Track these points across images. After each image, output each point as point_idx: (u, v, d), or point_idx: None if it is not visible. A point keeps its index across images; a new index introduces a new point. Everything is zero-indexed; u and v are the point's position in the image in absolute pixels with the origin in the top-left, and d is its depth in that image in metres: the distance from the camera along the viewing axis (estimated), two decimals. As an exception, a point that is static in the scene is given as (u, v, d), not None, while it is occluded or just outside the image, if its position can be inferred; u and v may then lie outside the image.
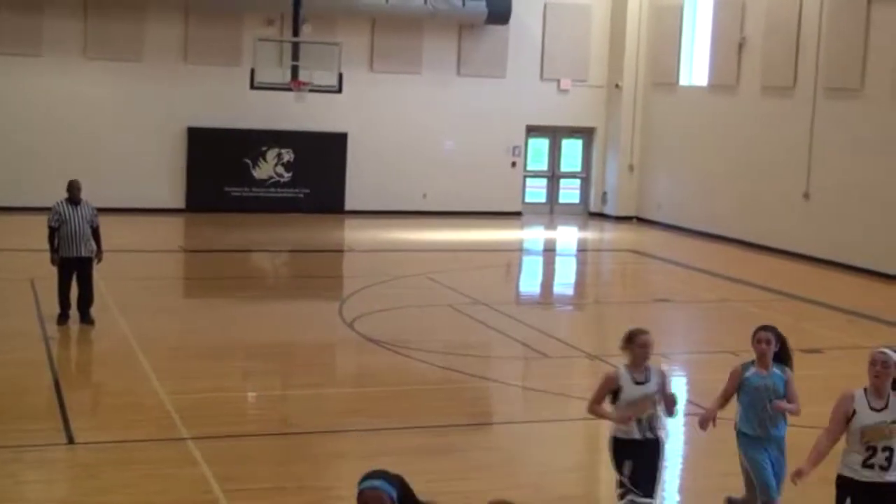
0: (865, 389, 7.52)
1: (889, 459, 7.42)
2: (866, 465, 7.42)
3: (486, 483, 9.75)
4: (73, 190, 15.12)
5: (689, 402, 13.18)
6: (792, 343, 9.37)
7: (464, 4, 28.27)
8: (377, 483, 5.54)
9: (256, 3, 27.20)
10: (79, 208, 15.04)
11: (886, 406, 7.46)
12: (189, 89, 27.37)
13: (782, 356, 8.78)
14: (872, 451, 7.41)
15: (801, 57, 24.53)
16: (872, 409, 7.45)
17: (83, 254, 15.08)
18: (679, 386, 14.19)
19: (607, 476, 10.58)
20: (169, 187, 27.54)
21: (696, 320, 18.57)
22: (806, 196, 24.38)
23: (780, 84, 25.13)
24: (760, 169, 25.73)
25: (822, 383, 12.46)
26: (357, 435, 11.10)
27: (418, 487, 9.56)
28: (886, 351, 7.62)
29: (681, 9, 28.76)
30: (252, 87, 25.39)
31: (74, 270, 15.10)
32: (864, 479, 7.42)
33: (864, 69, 22.84)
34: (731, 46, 26.74)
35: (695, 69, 28.73)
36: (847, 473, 7.49)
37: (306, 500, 9.38)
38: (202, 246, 23.75)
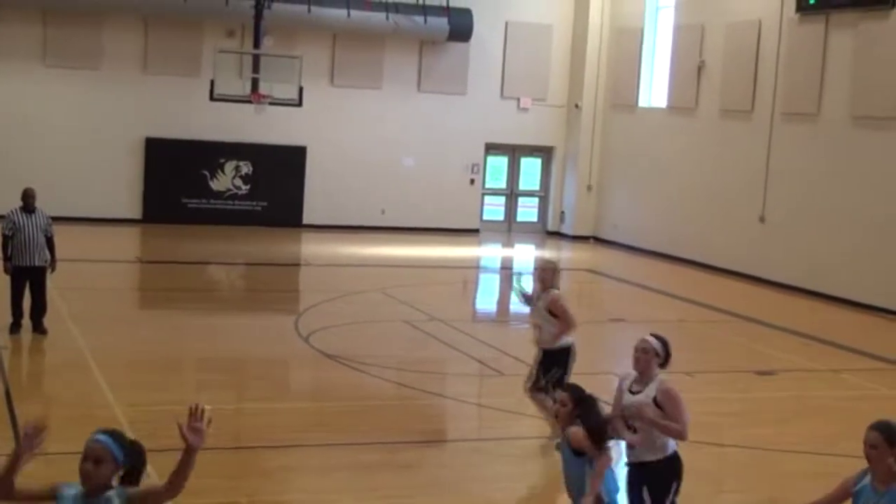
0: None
1: None
2: None
3: (438, 500, 9.74)
4: (28, 198, 14.98)
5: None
6: (744, 365, 9.43)
7: (426, 21, 28.33)
8: (103, 438, 5.36)
9: (217, 14, 27.10)
10: (33, 217, 14.90)
11: None
12: (148, 99, 27.24)
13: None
14: None
15: (759, 81, 24.76)
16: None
17: (37, 263, 14.94)
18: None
19: (562, 497, 10.61)
20: (126, 197, 27.36)
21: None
22: (762, 219, 24.58)
23: (739, 108, 25.36)
24: (717, 191, 25.93)
25: (773, 405, 12.57)
26: (310, 450, 11.05)
27: (371, 503, 9.58)
28: (647, 338, 7.84)
29: (641, 31, 28.97)
30: (212, 98, 25.30)
31: (28, 279, 14.96)
32: None
33: (821, 95, 23.08)
34: (690, 69, 26.95)
35: (654, 91, 28.94)
36: None
37: (258, 514, 9.33)
38: (158, 257, 23.62)
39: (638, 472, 7.80)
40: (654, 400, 7.66)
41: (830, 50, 22.89)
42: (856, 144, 22.28)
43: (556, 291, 11.39)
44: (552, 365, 11.26)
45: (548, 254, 28.42)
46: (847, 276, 22.18)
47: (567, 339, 11.27)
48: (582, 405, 7.35)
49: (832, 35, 22.88)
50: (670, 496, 7.74)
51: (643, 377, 7.80)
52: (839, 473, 10.78)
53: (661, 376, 7.79)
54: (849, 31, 22.46)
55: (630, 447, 7.78)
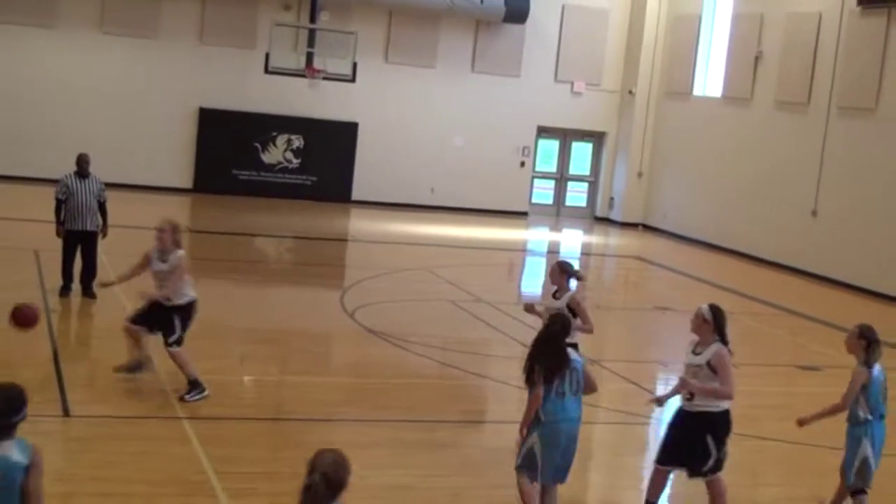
0: None
1: None
2: None
3: (477, 480, 9.76)
4: (82, 163, 15.13)
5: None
6: (788, 359, 9.44)
7: (482, 1, 28.26)
8: None
9: (276, -12, 27.20)
10: (86, 182, 15.05)
11: None
12: (203, 70, 27.39)
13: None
14: None
15: (816, 74, 24.50)
16: None
17: (88, 227, 15.11)
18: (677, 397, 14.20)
19: (595, 478, 10.61)
20: (178, 167, 27.56)
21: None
22: (814, 213, 24.36)
23: (794, 100, 25.11)
24: (769, 183, 25.71)
25: (816, 400, 12.46)
26: (350, 424, 11.11)
27: (410, 481, 9.65)
28: (701, 305, 9.01)
29: (698, 19, 28.74)
30: (266, 71, 25.42)
31: (79, 243, 15.13)
32: None
33: (880, 89, 22.81)
34: (747, 59, 26.71)
35: (709, 80, 28.71)
36: None
37: (299, 486, 9.36)
38: (208, 227, 23.77)
39: (699, 420, 8.75)
40: (708, 363, 8.71)
41: (891, 44, 22.60)
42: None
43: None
44: None
45: (596, 240, 28.33)
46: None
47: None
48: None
49: (893, 29, 22.58)
50: (726, 445, 8.77)
51: (702, 341, 8.88)
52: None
53: (718, 344, 8.76)
54: (910, 26, 22.17)
55: (689, 398, 8.79)
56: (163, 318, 11.17)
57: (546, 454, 8.37)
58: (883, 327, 10.06)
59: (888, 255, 22.17)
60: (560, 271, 10.72)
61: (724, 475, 8.91)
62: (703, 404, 8.71)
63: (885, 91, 22.75)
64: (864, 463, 9.10)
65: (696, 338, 9.00)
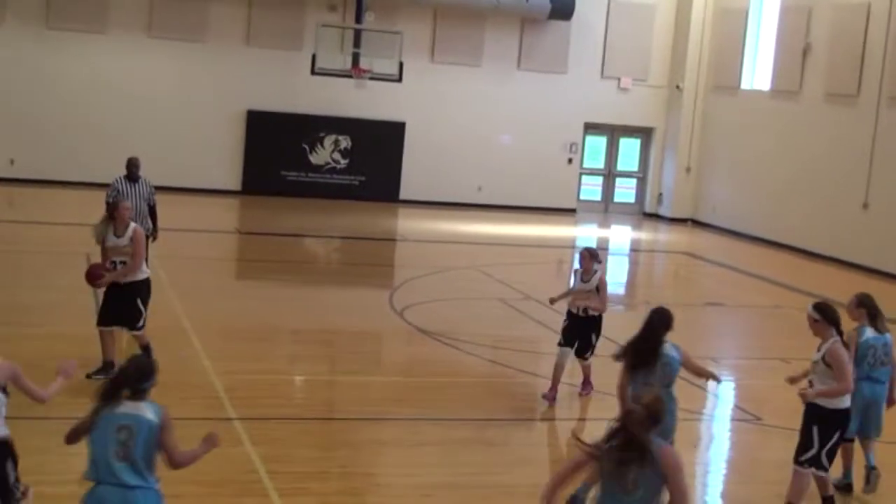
0: None
1: None
2: None
3: (528, 478, 9.74)
4: (132, 167, 15.21)
5: (737, 407, 13.10)
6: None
7: (527, -1, 28.21)
8: None
9: (320, -10, 27.30)
10: (136, 185, 15.14)
11: None
12: (250, 72, 27.53)
13: None
14: None
15: (866, 65, 24.24)
16: None
17: (139, 231, 15.21)
18: (727, 391, 14.12)
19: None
20: (226, 169, 27.73)
21: (748, 325, 18.43)
22: (865, 206, 24.09)
23: (844, 91, 24.86)
24: (820, 177, 25.46)
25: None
26: (401, 423, 11.12)
27: (460, 479, 9.65)
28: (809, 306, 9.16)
29: (746, 12, 28.51)
30: (313, 72, 25.51)
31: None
32: None
33: (931, 80, 22.53)
34: (795, 51, 26.47)
35: (757, 73, 28.48)
36: None
37: (349, 485, 9.41)
38: (257, 228, 23.91)
39: (809, 409, 8.96)
40: (823, 359, 8.84)
41: (942, 34, 22.33)
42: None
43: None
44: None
45: (645, 235, 28.22)
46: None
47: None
48: None
49: (944, 19, 22.31)
50: (831, 442, 8.87)
51: (822, 341, 9.01)
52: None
53: (834, 339, 8.89)
54: (962, 15, 21.88)
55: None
56: (125, 304, 11.59)
57: None
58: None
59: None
60: (590, 256, 12.17)
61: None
62: (820, 399, 8.91)
63: (937, 81, 22.47)
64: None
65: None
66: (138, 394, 6.41)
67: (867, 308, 10.02)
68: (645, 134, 31.15)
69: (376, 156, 28.49)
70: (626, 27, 29.99)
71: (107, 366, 11.39)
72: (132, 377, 6.45)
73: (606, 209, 31.29)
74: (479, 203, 29.12)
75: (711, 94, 29.82)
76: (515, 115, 29.49)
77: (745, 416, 12.50)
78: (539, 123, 29.60)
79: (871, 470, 9.78)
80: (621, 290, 21.96)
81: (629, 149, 31.49)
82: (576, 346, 12.16)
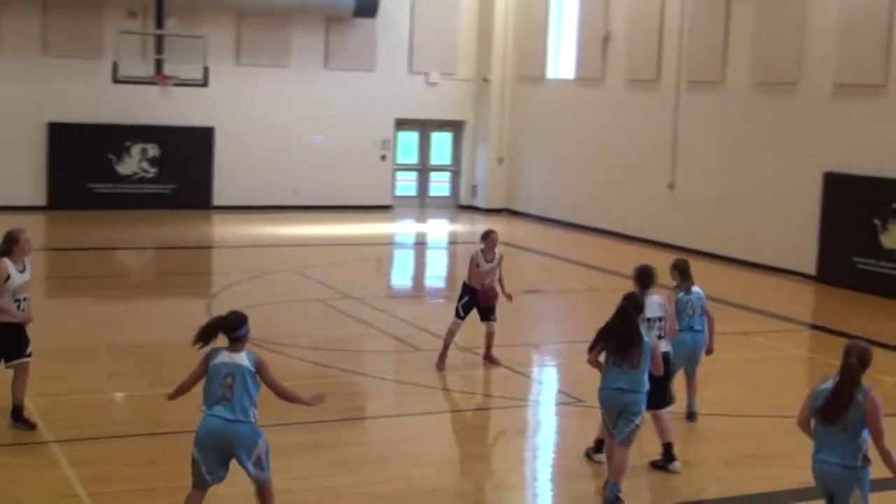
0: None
1: None
2: None
3: (356, 478, 9.72)
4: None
5: (560, 391, 13.33)
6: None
7: (331, -3, 28.14)
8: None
9: (118, -5, 26.66)
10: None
11: None
12: (49, 83, 26.69)
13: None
14: None
15: (664, 50, 24.99)
16: None
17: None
18: (551, 375, 14.37)
19: (479, 468, 10.65)
20: (30, 184, 26.84)
21: (565, 310, 18.79)
22: (671, 186, 24.85)
23: (644, 77, 25.57)
24: (627, 160, 26.16)
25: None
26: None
27: (291, 485, 9.55)
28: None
29: (547, 2, 29.05)
30: (115, 80, 24.90)
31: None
32: None
33: (725, 62, 23.37)
34: (596, 40, 27.11)
35: (561, 62, 29.05)
36: None
37: (176, 500, 9.19)
38: (66, 244, 23.20)
39: None
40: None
41: (734, 16, 23.16)
42: (758, 110, 22.61)
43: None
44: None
45: (461, 228, 28.50)
46: (754, 240, 22.52)
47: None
48: None
49: (734, 1, 23.14)
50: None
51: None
52: (753, 433, 10.96)
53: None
54: (750, -2, 22.76)
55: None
56: (13, 333, 10.59)
57: (603, 416, 9.47)
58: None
59: (743, 221, 22.75)
60: (495, 238, 13.77)
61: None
62: None
63: (730, 64, 23.31)
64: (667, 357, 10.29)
65: None
66: (235, 343, 7.95)
67: (679, 271, 11.60)
68: (456, 127, 31.43)
69: (186, 163, 28.01)
70: (432, 22, 30.19)
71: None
72: (228, 326, 7.96)
73: (422, 204, 31.48)
74: (294, 205, 28.92)
75: (519, 84, 30.29)
76: (326, 114, 29.38)
77: (568, 399, 12.73)
78: (350, 122, 29.56)
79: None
80: (441, 284, 22.12)
81: (441, 143, 31.74)
82: (478, 313, 13.63)
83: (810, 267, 21.13)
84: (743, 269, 22.22)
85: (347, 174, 29.55)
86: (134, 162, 27.72)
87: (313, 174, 29.24)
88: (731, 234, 23.05)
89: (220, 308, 16.44)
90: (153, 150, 27.82)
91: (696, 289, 11.57)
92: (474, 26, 30.71)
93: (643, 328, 9.35)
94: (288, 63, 28.95)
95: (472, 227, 28.62)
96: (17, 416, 10.57)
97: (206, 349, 8.08)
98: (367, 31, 29.49)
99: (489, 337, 13.76)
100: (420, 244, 27.32)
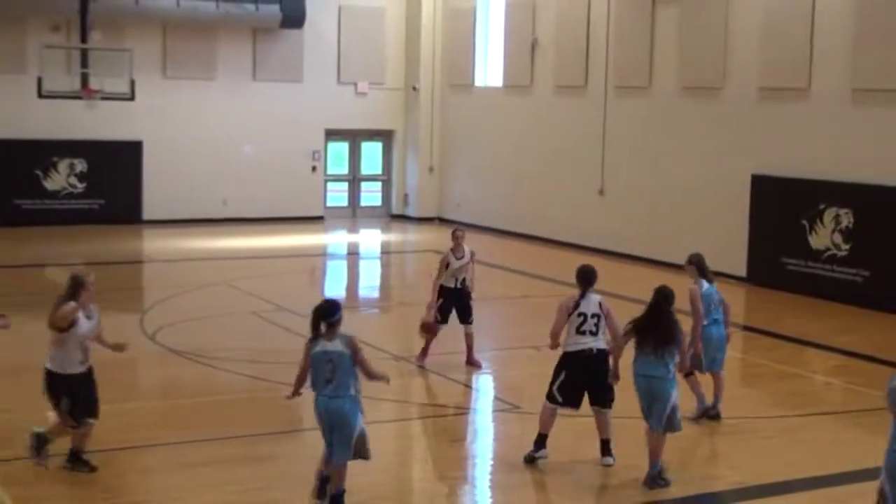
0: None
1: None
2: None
3: (298, 490, 9.68)
4: None
5: (497, 398, 13.38)
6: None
7: (257, 8, 28.04)
8: None
9: (41, 8, 26.35)
10: None
11: None
12: (-28, 99, 26.32)
13: None
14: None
15: (591, 56, 25.21)
16: None
17: None
18: (486, 382, 14.42)
19: (418, 475, 10.67)
20: (-46, 202, 26.42)
21: (499, 317, 18.84)
22: (601, 192, 25.06)
23: (572, 83, 25.77)
24: (557, 166, 26.34)
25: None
26: (166, 448, 10.87)
27: (231, 499, 9.51)
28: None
29: (473, 11, 29.18)
30: (40, 95, 24.60)
31: None
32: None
33: (652, 67, 23.63)
34: (523, 47, 27.27)
35: (490, 70, 29.19)
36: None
37: (115, 518, 9.14)
38: (-8, 262, 22.86)
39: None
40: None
41: (658, 22, 23.43)
42: (685, 114, 22.89)
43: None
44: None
45: (394, 237, 28.49)
46: (685, 243, 22.70)
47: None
48: None
49: (659, 7, 23.41)
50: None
51: None
52: (685, 435, 11.05)
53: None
54: (675, 3, 23.02)
55: None
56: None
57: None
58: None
59: (673, 225, 23.00)
60: (463, 235, 14.55)
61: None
62: None
63: (656, 69, 23.57)
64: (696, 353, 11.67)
65: None
66: (330, 328, 9.01)
67: (696, 265, 12.15)
68: (386, 137, 31.44)
69: (115, 177, 27.75)
70: (358, 32, 30.20)
71: None
72: (324, 314, 9.05)
73: (354, 214, 31.44)
74: (225, 217, 28.76)
75: (447, 93, 30.38)
76: (255, 126, 29.26)
77: (505, 405, 12.79)
78: (280, 133, 29.47)
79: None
80: (375, 294, 22.10)
81: (371, 152, 31.73)
82: (457, 315, 14.17)
83: (741, 268, 21.40)
84: (674, 273, 22.42)
85: (278, 185, 29.44)
86: (62, 177, 27.42)
87: (244, 186, 29.09)
88: (662, 237, 23.29)
89: (153, 324, 16.34)
90: (81, 165, 27.53)
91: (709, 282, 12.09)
92: (402, 35, 30.76)
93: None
94: (215, 75, 28.80)
95: (404, 237, 28.67)
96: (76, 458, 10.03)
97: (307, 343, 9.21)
98: (294, 42, 29.42)
99: (468, 338, 14.23)
100: (353, 254, 27.28)
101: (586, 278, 10.48)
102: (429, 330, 13.97)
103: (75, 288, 9.79)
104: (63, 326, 9.71)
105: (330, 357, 9.01)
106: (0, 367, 14.08)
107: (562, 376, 10.37)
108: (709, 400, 11.94)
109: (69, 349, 9.78)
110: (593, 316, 10.34)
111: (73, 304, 9.70)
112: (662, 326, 9.99)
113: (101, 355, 14.48)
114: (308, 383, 9.14)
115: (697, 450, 11.09)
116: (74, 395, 9.77)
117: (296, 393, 9.39)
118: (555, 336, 10.38)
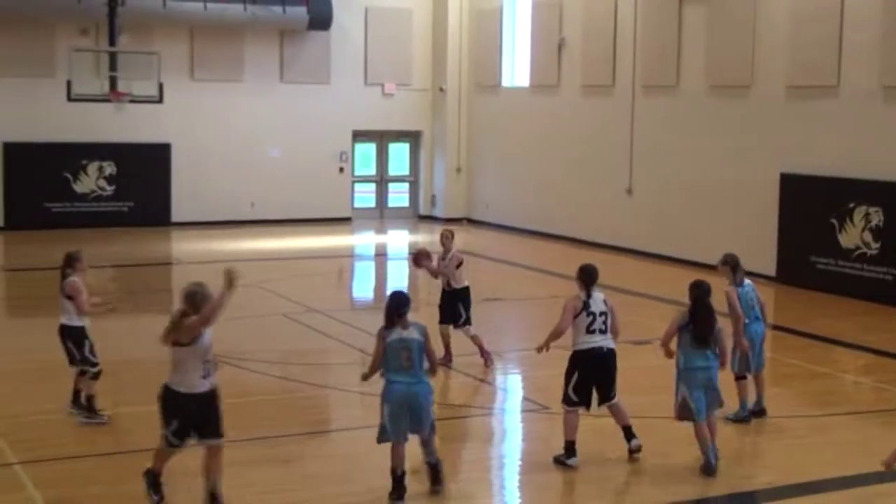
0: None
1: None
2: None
3: (322, 491, 9.70)
4: None
5: (525, 398, 13.37)
6: (622, 336, 9.81)
7: (284, 10, 28.12)
8: None
9: (69, 13, 26.51)
10: None
11: None
12: (3, 103, 26.56)
13: None
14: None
15: (618, 56, 25.14)
16: None
17: None
18: (515, 383, 14.41)
19: (448, 475, 10.65)
20: (-15, 205, 26.63)
21: (527, 317, 18.82)
22: (629, 191, 24.98)
23: (600, 83, 25.71)
24: (584, 166, 26.28)
25: (649, 374, 12.80)
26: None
27: (252, 499, 9.52)
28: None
29: (500, 11, 29.16)
30: (69, 98, 24.76)
31: None
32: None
33: (679, 66, 23.54)
34: (550, 47, 27.23)
35: (516, 70, 29.16)
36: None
37: (143, 519, 9.18)
38: (24, 264, 23.01)
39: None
40: None
41: (686, 20, 23.34)
42: (713, 113, 22.79)
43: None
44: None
45: (422, 238, 28.50)
46: (713, 243, 22.62)
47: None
48: None
49: (686, 6, 23.32)
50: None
51: None
52: (721, 433, 11.01)
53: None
54: (702, 1, 22.92)
55: None
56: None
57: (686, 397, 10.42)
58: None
59: (702, 225, 22.90)
60: (451, 236, 14.79)
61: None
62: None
63: (684, 68, 23.48)
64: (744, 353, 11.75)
65: None
66: (403, 318, 9.39)
67: (731, 265, 12.22)
68: (413, 138, 31.46)
69: (143, 180, 27.89)
70: (385, 33, 30.24)
71: None
72: (397, 304, 9.44)
73: (381, 215, 31.48)
74: (253, 219, 28.86)
75: (474, 94, 30.38)
76: (282, 128, 29.35)
77: (534, 406, 12.77)
78: (307, 135, 29.54)
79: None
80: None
81: (399, 153, 31.76)
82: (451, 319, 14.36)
83: (770, 268, 21.29)
84: (704, 273, 22.33)
85: (305, 187, 29.51)
86: (91, 180, 27.57)
87: (271, 188, 29.18)
88: (690, 237, 23.20)
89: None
90: (110, 168, 27.68)
91: (746, 280, 12.22)
92: (428, 36, 30.78)
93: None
94: (243, 77, 28.89)
95: (432, 238, 28.64)
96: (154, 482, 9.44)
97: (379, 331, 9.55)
98: (321, 44, 29.49)
99: (472, 340, 14.35)
100: (380, 255, 27.31)
101: (591, 277, 10.62)
102: (419, 259, 14.59)
103: (195, 302, 9.90)
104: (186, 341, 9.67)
105: (407, 344, 9.37)
106: (31, 368, 14.17)
107: (575, 377, 10.42)
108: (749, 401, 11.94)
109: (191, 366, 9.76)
110: (601, 314, 10.49)
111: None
112: (709, 319, 10.30)
113: (130, 356, 14.59)
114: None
115: (730, 449, 11.03)
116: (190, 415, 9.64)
117: (370, 376, 9.68)
118: (558, 334, 10.54)
